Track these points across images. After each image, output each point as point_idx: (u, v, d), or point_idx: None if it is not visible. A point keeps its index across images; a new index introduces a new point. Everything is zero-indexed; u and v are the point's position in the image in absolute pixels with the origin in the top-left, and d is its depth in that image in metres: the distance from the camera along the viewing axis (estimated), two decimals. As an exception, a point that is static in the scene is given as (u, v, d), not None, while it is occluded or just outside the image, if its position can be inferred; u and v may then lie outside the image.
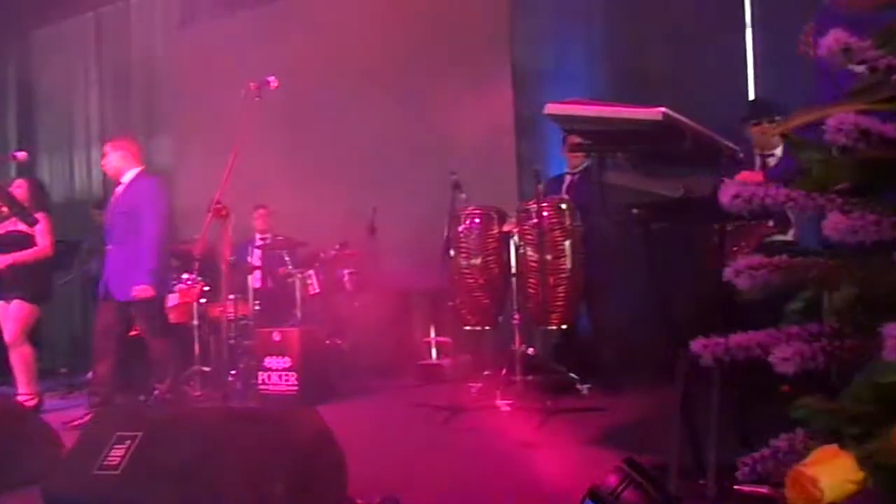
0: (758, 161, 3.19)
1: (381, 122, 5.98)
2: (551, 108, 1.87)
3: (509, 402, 3.63)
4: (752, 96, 4.43)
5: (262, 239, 5.53)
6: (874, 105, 1.15)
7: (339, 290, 5.24)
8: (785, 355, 1.11)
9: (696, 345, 1.24)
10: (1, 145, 7.71)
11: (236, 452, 1.80)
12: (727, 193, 1.15)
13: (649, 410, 3.29)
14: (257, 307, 4.92)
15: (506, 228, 4.08)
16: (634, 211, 1.89)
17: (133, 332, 3.99)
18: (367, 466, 2.21)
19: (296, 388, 4.05)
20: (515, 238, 3.94)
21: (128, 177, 3.87)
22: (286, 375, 4.07)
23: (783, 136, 2.35)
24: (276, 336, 4.14)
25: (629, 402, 3.73)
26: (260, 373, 4.13)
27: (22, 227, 4.27)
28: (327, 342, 4.64)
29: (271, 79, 3.02)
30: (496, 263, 4.04)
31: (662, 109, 1.64)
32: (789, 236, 3.19)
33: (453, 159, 5.30)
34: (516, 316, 4.02)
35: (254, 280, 5.09)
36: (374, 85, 5.98)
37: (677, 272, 2.18)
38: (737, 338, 1.20)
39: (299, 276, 5.01)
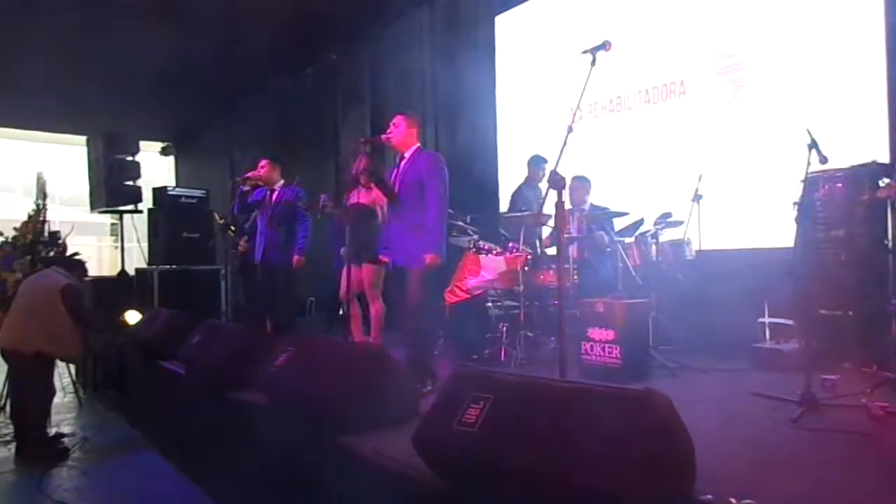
0: None
1: (714, 67, 5.46)
2: None
3: (884, 404, 3.00)
4: None
5: (580, 209, 5.50)
6: None
7: (660, 262, 4.96)
8: None
9: None
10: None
11: (584, 427, 1.76)
12: None
13: None
14: (576, 277, 4.92)
15: (880, 194, 3.37)
16: None
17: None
18: (709, 462, 2.00)
19: (619, 361, 3.95)
20: (897, 206, 3.22)
21: (409, 151, 4.08)
22: (609, 348, 3.99)
23: None
24: (600, 307, 4.07)
25: None
26: (583, 342, 4.12)
27: (364, 199, 4.80)
28: (651, 315, 4.42)
29: (608, 42, 2.87)
30: (866, 236, 3.36)
31: None
32: None
33: (806, 115, 4.56)
34: (893, 301, 3.30)
35: (573, 250, 5.08)
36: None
37: None
38: None
39: (619, 246, 4.88)
